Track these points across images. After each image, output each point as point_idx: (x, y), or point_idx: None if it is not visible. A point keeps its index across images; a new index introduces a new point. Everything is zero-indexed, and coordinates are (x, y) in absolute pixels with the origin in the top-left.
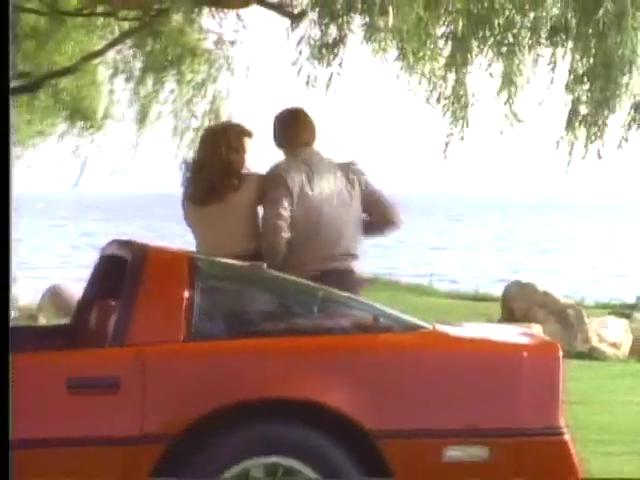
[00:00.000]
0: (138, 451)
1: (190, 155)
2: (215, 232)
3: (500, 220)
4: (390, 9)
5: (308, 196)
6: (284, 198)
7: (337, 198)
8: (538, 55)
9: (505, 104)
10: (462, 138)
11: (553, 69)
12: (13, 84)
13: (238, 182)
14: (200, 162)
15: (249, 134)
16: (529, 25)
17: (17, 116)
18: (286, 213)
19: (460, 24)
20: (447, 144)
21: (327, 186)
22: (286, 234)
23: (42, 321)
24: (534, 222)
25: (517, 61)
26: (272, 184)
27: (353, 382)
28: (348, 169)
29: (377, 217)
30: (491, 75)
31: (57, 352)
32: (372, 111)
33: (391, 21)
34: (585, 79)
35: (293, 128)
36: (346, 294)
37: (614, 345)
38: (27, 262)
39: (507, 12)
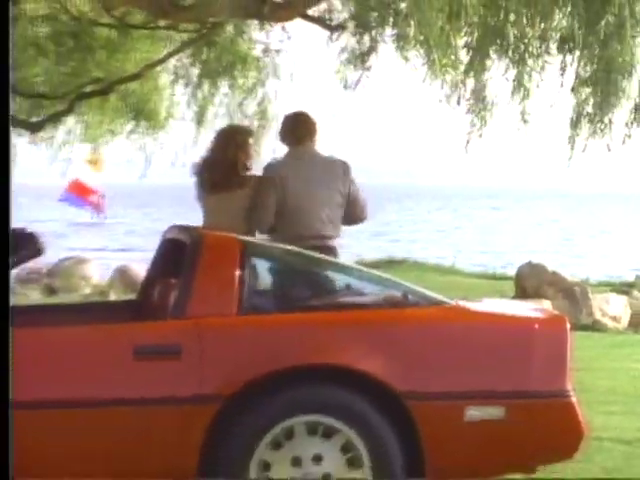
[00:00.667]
0: (196, 410)
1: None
2: (220, 214)
3: (513, 208)
4: (416, 22)
5: (290, 185)
6: (270, 188)
7: (320, 187)
8: (547, 62)
9: (519, 105)
10: (480, 135)
11: (561, 74)
12: (88, 88)
13: (242, 178)
14: (213, 157)
15: (252, 134)
16: (539, 35)
17: (91, 117)
18: (270, 200)
19: (478, 35)
20: (468, 141)
21: (311, 177)
22: (268, 215)
23: (112, 297)
24: (542, 210)
25: (528, 68)
26: (262, 177)
27: (386, 350)
28: (340, 166)
29: (351, 210)
30: (506, 80)
31: (125, 324)
32: (400, 111)
33: (417, 32)
34: (589, 83)
35: (290, 128)
36: (379, 273)
37: (614, 318)
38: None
39: (519, 24)
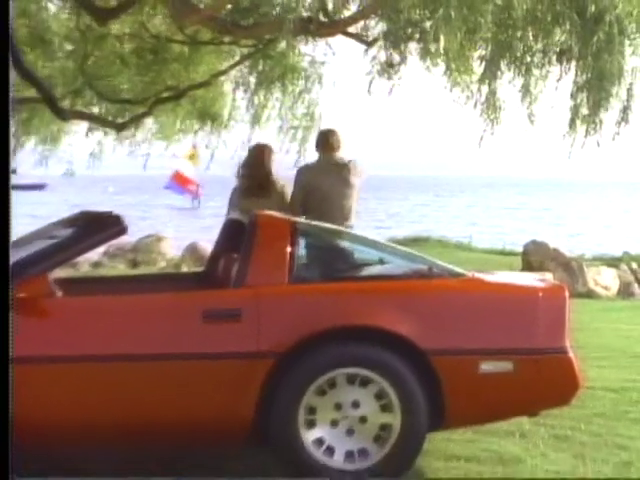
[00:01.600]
0: (254, 364)
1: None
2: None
3: (519, 195)
4: (439, 38)
5: (317, 183)
6: (297, 187)
7: (338, 185)
8: (548, 72)
9: (526, 108)
10: (492, 133)
11: (559, 81)
12: (164, 95)
13: (274, 186)
14: (250, 168)
15: (273, 152)
16: (542, 49)
17: (165, 118)
18: (298, 195)
19: (490, 49)
20: (482, 137)
21: (333, 178)
22: (296, 205)
23: (184, 269)
24: (547, 197)
25: (533, 77)
26: (295, 178)
27: (413, 314)
28: (352, 168)
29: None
30: (514, 86)
31: (195, 292)
32: (424, 113)
33: (439, 47)
34: (584, 89)
35: (322, 142)
36: (409, 250)
37: (605, 288)
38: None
39: (525, 40)
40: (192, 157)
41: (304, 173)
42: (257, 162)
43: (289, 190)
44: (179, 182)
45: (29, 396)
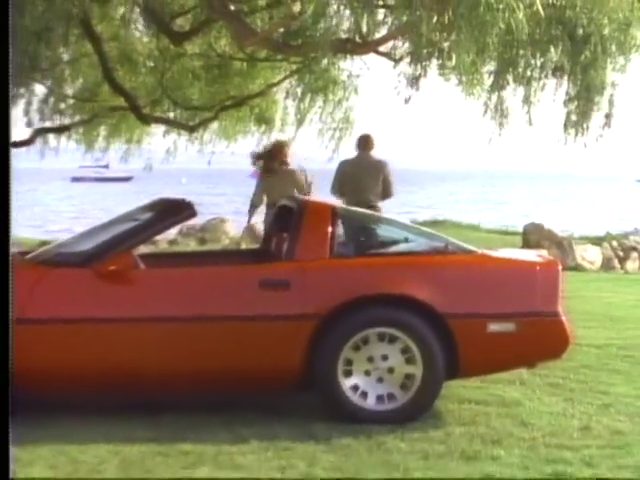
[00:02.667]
0: (301, 324)
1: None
2: (274, 188)
3: (520, 184)
4: (454, 56)
5: (349, 173)
6: (338, 174)
7: (369, 175)
8: (545, 84)
9: (526, 114)
10: (500, 134)
11: (555, 92)
12: (227, 103)
13: (286, 170)
14: (269, 153)
15: (289, 144)
16: (540, 65)
17: (228, 122)
18: (337, 181)
19: (497, 65)
20: (490, 137)
21: (365, 169)
22: (336, 188)
23: (243, 246)
24: (542, 186)
25: (533, 88)
26: (337, 168)
27: (433, 284)
28: (381, 163)
29: (385, 189)
30: (514, 95)
31: (252, 264)
32: (441, 118)
33: (454, 64)
34: (574, 99)
35: (360, 143)
36: (429, 230)
37: (591, 262)
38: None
39: (526, 57)
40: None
41: (344, 165)
42: (271, 152)
43: (299, 174)
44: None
45: (118, 349)
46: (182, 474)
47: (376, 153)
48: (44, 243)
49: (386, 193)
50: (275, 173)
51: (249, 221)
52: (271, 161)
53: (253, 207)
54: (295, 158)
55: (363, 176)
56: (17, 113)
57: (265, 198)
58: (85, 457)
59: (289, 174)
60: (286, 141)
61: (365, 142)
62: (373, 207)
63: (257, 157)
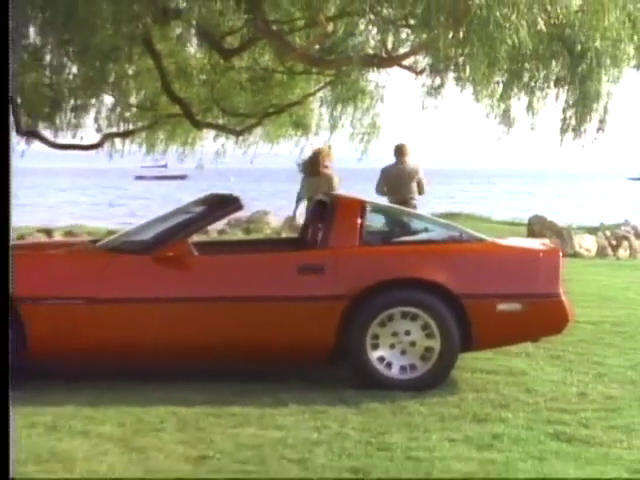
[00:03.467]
0: (334, 304)
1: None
2: (312, 188)
3: (524, 182)
4: (468, 69)
5: (391, 177)
6: (382, 178)
7: (406, 177)
8: (547, 93)
9: (530, 119)
10: (507, 135)
11: (556, 100)
12: (269, 110)
13: (323, 173)
14: (312, 161)
15: (327, 151)
16: (542, 77)
17: (270, 127)
18: (381, 183)
19: (505, 77)
20: (499, 138)
21: (403, 172)
22: (380, 189)
23: (283, 235)
24: (544, 183)
25: (536, 96)
26: (381, 171)
27: (449, 268)
28: (415, 168)
29: (419, 187)
30: (518, 101)
31: (292, 252)
32: (457, 122)
33: (468, 74)
34: (572, 106)
35: (397, 151)
36: (445, 221)
37: (587, 250)
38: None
39: (531, 70)
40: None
41: (386, 170)
42: (314, 158)
43: (334, 177)
44: None
45: (174, 325)
46: (231, 432)
47: (410, 158)
48: (110, 233)
49: (420, 191)
50: (317, 174)
51: (294, 212)
52: (314, 165)
53: (298, 201)
54: (333, 162)
55: (402, 178)
56: (88, 121)
57: (307, 194)
58: (148, 417)
59: (327, 176)
60: (327, 149)
61: (401, 150)
62: (411, 202)
63: (304, 164)
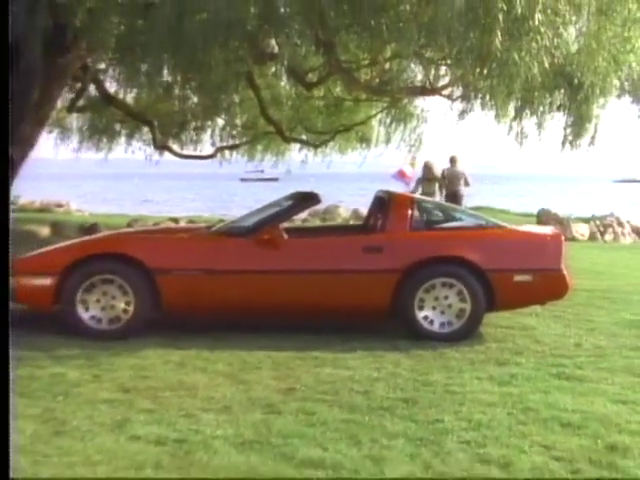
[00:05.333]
0: (389, 276)
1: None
2: (428, 188)
3: (530, 184)
4: (490, 96)
5: (448, 175)
6: (442, 177)
7: (457, 177)
8: (552, 115)
9: (538, 135)
10: (521, 146)
11: (559, 119)
12: (340, 129)
13: (434, 177)
14: (427, 170)
15: (432, 165)
16: (548, 102)
17: (340, 142)
18: (444, 180)
19: (520, 102)
20: (517, 148)
21: (454, 173)
22: (443, 184)
23: (351, 222)
24: (550, 185)
25: (543, 118)
26: (441, 173)
27: (477, 248)
28: (462, 171)
29: (465, 184)
30: (533, 123)
31: (358, 235)
32: (482, 137)
33: (490, 101)
34: (571, 126)
35: (451, 160)
36: (474, 212)
37: (582, 235)
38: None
39: (540, 97)
40: (412, 163)
41: (446, 170)
42: (427, 168)
43: (439, 179)
44: (401, 175)
45: (268, 290)
46: (312, 371)
47: (460, 164)
48: (221, 221)
49: (466, 185)
50: (428, 180)
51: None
52: (427, 173)
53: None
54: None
55: (454, 178)
56: (205, 137)
57: (420, 190)
58: (250, 359)
59: (434, 179)
60: (432, 162)
61: (453, 159)
62: (459, 193)
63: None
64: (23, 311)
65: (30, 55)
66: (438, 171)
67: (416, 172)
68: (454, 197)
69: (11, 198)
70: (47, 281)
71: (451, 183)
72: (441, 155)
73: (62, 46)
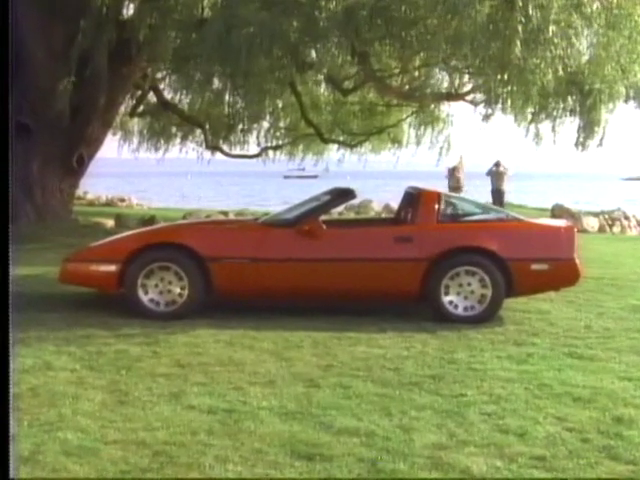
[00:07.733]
0: (418, 264)
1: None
2: (456, 185)
3: (546, 181)
4: (509, 103)
5: (492, 175)
6: (489, 172)
7: (500, 176)
8: (565, 119)
9: (553, 137)
10: (537, 146)
11: (572, 122)
12: (373, 131)
13: (459, 175)
14: (455, 169)
15: (463, 165)
16: (561, 108)
17: (375, 142)
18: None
19: (537, 108)
20: (533, 149)
21: (495, 173)
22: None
23: (383, 215)
24: (563, 181)
25: (557, 122)
26: (488, 171)
27: (498, 239)
28: (504, 172)
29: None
30: (547, 126)
31: (390, 226)
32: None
33: (510, 106)
34: (582, 129)
35: (495, 163)
36: (495, 207)
37: (592, 227)
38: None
39: (554, 103)
40: (460, 162)
41: (492, 169)
42: (457, 166)
43: (463, 178)
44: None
45: (309, 276)
46: (348, 350)
47: (502, 166)
48: (266, 213)
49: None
50: (455, 177)
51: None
52: (457, 171)
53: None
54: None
55: (497, 177)
56: (252, 138)
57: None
58: (292, 338)
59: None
60: (461, 163)
61: (497, 163)
62: (502, 189)
63: (451, 172)
64: (93, 294)
65: (98, 66)
66: (463, 170)
67: (464, 169)
68: (498, 193)
69: (80, 193)
70: (112, 267)
71: (497, 181)
72: (469, 155)
73: (126, 58)
